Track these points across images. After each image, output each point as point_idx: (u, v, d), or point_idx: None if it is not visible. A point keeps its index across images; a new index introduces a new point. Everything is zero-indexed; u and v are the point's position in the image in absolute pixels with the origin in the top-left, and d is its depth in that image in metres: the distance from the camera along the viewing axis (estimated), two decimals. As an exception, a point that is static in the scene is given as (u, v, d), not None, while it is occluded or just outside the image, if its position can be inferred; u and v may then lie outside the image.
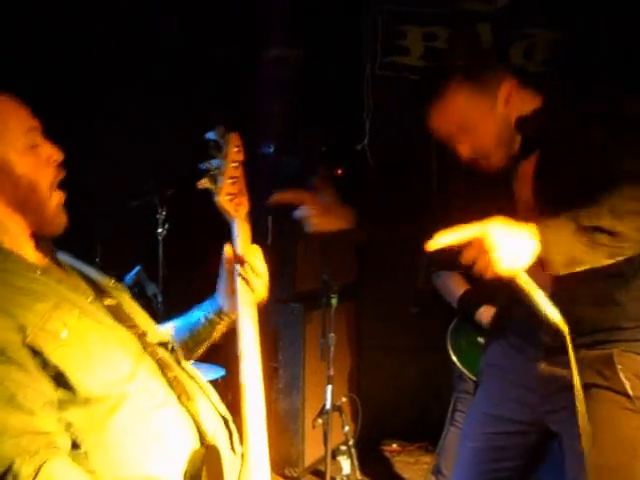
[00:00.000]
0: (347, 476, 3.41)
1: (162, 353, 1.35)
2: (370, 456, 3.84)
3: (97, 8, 3.31)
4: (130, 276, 2.88)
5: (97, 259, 3.04)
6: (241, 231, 1.47)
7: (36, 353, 1.14)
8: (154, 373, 1.28)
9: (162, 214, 3.05)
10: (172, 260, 3.14)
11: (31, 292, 1.21)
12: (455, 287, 2.99)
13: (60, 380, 1.15)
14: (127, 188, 3.20)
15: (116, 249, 3.13)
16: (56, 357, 1.15)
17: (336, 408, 3.11)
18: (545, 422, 1.85)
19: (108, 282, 1.44)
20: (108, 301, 1.35)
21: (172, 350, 1.41)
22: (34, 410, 1.12)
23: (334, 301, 2.86)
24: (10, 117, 1.30)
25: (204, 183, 1.46)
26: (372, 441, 4.05)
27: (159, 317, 3.13)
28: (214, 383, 2.28)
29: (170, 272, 3.08)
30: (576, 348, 1.68)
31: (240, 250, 1.47)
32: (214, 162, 1.48)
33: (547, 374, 1.83)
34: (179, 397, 1.28)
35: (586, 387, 1.70)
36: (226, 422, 1.36)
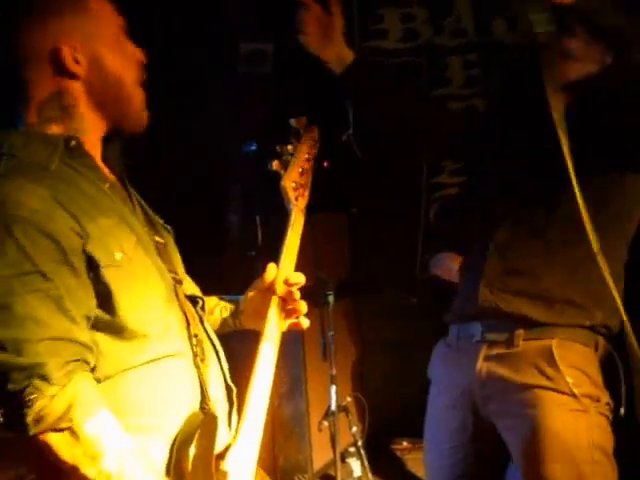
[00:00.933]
0: (358, 478, 3.35)
1: (189, 307, 1.35)
2: (381, 456, 3.75)
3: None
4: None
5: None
6: (296, 220, 1.51)
7: (92, 264, 1.14)
8: (179, 324, 1.28)
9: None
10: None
11: (98, 203, 1.20)
12: (453, 263, 2.90)
13: (104, 299, 1.15)
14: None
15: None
16: (107, 275, 1.15)
17: (342, 409, 3.05)
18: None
19: (159, 220, 1.45)
20: (157, 238, 1.35)
21: (201, 307, 1.41)
22: (76, 318, 1.11)
23: (331, 298, 2.79)
24: (101, 14, 1.32)
25: (275, 165, 1.51)
26: (381, 440, 3.95)
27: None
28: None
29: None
30: (512, 339, 1.69)
31: (287, 240, 1.48)
32: (289, 147, 1.54)
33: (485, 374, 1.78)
34: (195, 355, 1.28)
35: (529, 388, 1.68)
36: (230, 393, 1.36)
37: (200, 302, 1.42)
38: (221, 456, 1.24)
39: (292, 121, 1.58)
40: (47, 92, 1.26)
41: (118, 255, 1.17)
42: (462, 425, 1.85)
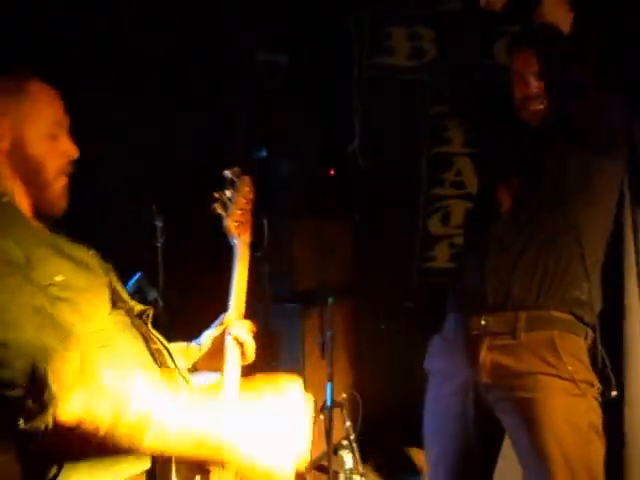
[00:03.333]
0: (350, 470, 3.47)
1: (142, 325, 1.40)
2: (372, 450, 3.90)
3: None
4: (131, 283, 2.93)
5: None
6: (242, 253, 1.69)
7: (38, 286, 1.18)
8: (138, 344, 1.33)
9: (160, 222, 3.11)
10: (171, 266, 3.20)
11: (34, 236, 1.28)
12: None
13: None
14: (126, 198, 3.26)
15: (116, 257, 3.19)
16: (50, 293, 1.19)
17: (337, 404, 3.17)
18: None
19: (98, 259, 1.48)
20: (95, 265, 1.39)
21: (146, 317, 1.46)
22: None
23: (330, 300, 2.92)
24: (43, 104, 1.39)
25: (217, 208, 1.70)
26: (373, 435, 4.11)
27: (160, 322, 3.20)
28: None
29: (170, 278, 3.14)
30: (515, 331, 1.84)
31: (236, 270, 1.65)
32: (227, 193, 1.72)
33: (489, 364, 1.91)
34: (160, 366, 1.33)
35: (533, 374, 1.83)
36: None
37: (146, 314, 1.46)
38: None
39: (227, 172, 1.75)
40: None
41: (58, 277, 1.22)
42: (464, 411, 1.96)
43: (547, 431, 1.79)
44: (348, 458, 3.46)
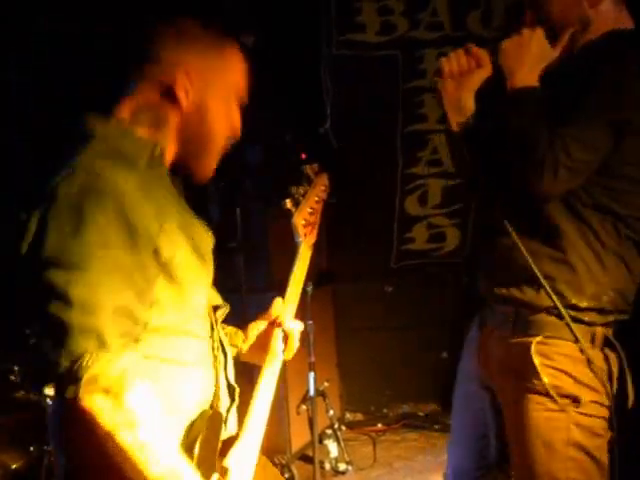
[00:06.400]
0: (335, 459, 3.45)
1: (212, 314, 1.42)
2: (356, 438, 3.86)
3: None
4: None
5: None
6: (303, 254, 1.66)
7: (158, 257, 1.21)
8: (208, 330, 1.37)
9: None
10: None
11: (168, 207, 1.26)
12: None
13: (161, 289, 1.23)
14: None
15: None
16: (168, 270, 1.23)
17: (319, 393, 3.13)
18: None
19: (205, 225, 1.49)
20: (206, 249, 1.38)
21: (216, 312, 1.47)
22: (141, 295, 1.19)
23: (310, 289, 2.85)
24: (235, 71, 1.35)
25: (287, 204, 1.65)
26: (357, 423, 4.07)
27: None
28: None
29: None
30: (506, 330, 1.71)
31: (295, 269, 1.63)
32: (301, 189, 1.68)
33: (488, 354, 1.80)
34: (214, 359, 1.37)
35: (513, 385, 1.70)
36: (232, 391, 1.43)
37: (221, 308, 1.49)
38: (223, 453, 1.34)
39: (306, 167, 1.72)
40: (149, 100, 1.30)
41: (180, 256, 1.24)
42: (480, 393, 1.85)
43: (516, 445, 1.71)
44: (333, 447, 3.44)
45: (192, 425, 1.29)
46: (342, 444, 3.47)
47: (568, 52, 1.68)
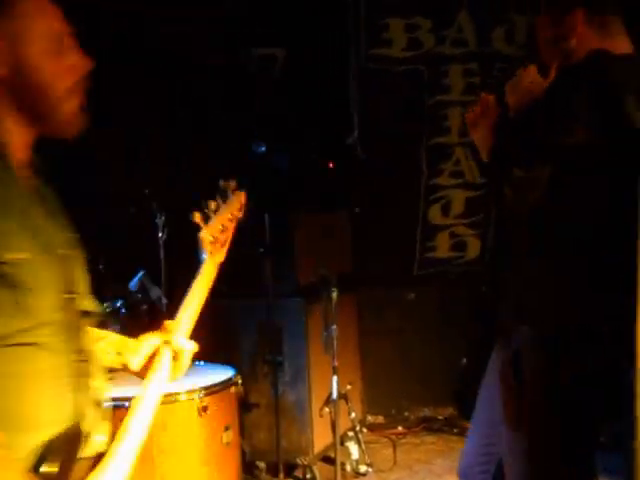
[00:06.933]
0: (356, 461, 3.51)
1: (78, 322, 1.29)
2: (377, 440, 3.94)
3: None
4: (134, 281, 2.94)
5: (100, 266, 3.10)
6: (205, 272, 1.54)
7: None
8: (64, 337, 1.24)
9: (162, 219, 3.11)
10: (174, 264, 3.22)
11: (7, 205, 1.18)
12: None
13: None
14: (126, 195, 3.26)
15: (118, 256, 3.20)
16: (4, 269, 1.14)
17: (342, 396, 3.19)
18: None
19: (73, 233, 1.37)
20: (61, 251, 1.27)
21: (89, 318, 1.35)
22: None
23: (334, 295, 2.94)
24: (36, 18, 1.23)
25: (196, 217, 1.55)
26: (378, 425, 4.16)
27: (164, 319, 3.21)
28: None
29: (173, 276, 3.15)
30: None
31: (195, 288, 1.51)
32: (213, 204, 1.57)
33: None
34: (76, 372, 1.25)
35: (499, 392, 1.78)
36: (98, 408, 1.31)
37: (93, 317, 1.37)
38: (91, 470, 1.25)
39: (221, 182, 1.62)
40: None
41: (18, 258, 1.15)
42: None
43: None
44: (354, 449, 3.52)
45: (44, 443, 1.17)
46: (363, 446, 3.53)
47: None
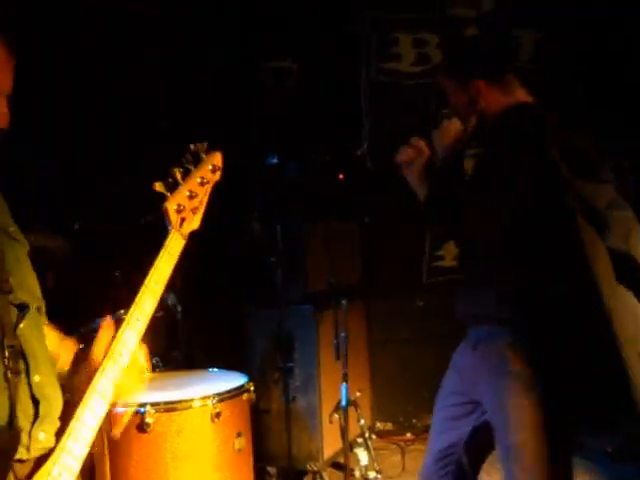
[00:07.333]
0: (365, 467, 3.54)
1: (10, 317, 1.25)
2: (386, 447, 3.98)
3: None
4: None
5: (117, 273, 3.17)
6: (171, 244, 1.42)
7: None
8: None
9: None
10: (189, 270, 3.28)
11: None
12: None
13: None
14: (141, 204, 3.33)
15: (134, 262, 3.26)
16: None
17: (351, 403, 3.24)
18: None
19: (13, 228, 1.35)
20: None
21: (30, 313, 1.30)
22: None
23: (344, 303, 2.99)
24: None
25: (157, 187, 1.43)
26: (387, 432, 4.20)
27: (179, 325, 3.27)
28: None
29: (187, 282, 3.21)
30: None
31: (157, 265, 1.40)
32: (180, 170, 1.46)
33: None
34: (6, 368, 1.21)
35: (491, 381, 1.97)
36: (36, 405, 1.27)
37: (29, 309, 1.30)
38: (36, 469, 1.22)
39: (191, 146, 1.49)
40: None
41: None
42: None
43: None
44: (363, 455, 3.55)
45: None
46: (372, 453, 3.56)
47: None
